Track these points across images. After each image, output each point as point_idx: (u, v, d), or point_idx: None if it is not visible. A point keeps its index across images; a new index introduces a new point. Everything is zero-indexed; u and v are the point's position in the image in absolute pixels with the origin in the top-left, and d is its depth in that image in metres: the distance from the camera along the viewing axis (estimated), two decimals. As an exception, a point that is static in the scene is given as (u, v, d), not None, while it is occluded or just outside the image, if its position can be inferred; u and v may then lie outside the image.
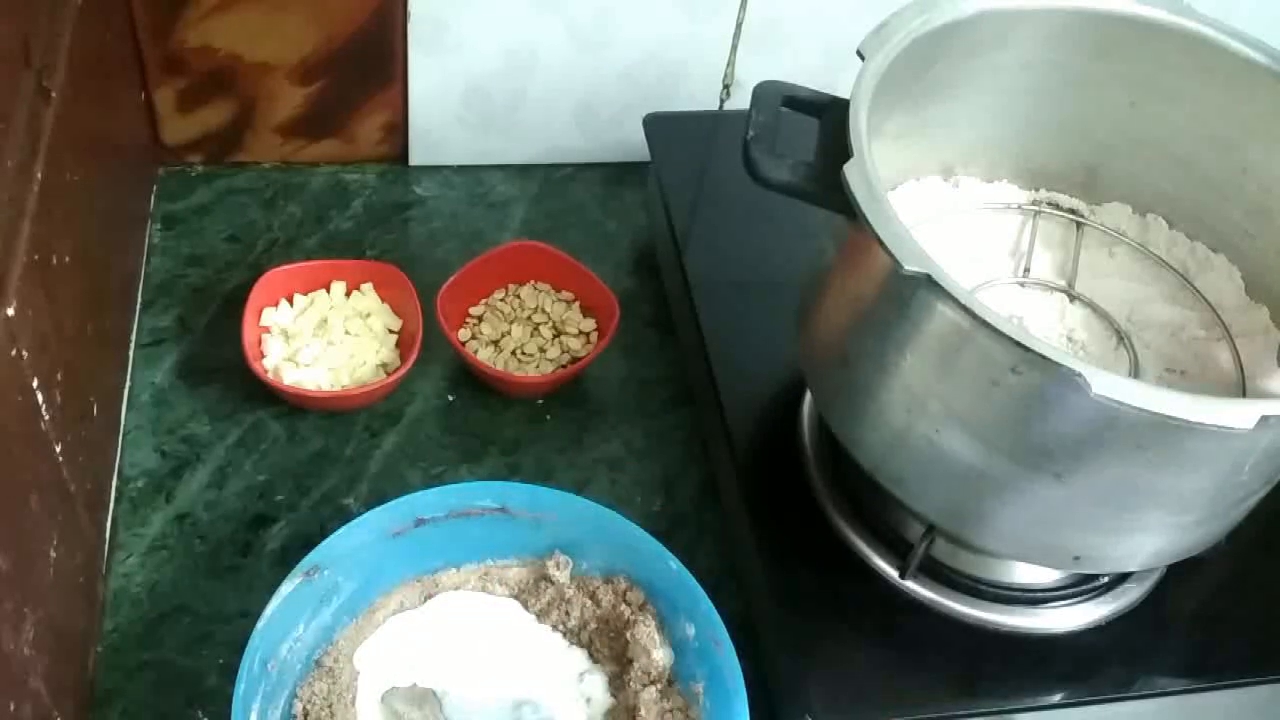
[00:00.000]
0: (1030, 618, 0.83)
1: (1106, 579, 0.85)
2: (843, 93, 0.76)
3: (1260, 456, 0.70)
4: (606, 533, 0.84)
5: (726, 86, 1.16)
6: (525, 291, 1.04)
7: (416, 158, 1.15)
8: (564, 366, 0.99)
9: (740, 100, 1.16)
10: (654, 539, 0.83)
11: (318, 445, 0.95)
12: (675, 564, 0.82)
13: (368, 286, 1.01)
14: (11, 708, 0.65)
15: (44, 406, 0.72)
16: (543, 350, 1.00)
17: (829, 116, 0.77)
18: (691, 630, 0.80)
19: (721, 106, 1.17)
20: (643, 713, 0.77)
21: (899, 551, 0.84)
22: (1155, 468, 0.68)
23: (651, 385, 1.03)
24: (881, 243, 0.67)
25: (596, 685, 0.81)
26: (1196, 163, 0.87)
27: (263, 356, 0.96)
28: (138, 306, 1.02)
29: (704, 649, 0.79)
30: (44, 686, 0.70)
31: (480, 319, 1.02)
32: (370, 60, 1.08)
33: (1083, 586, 0.84)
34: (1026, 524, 0.75)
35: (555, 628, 0.84)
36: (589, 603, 0.83)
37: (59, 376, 0.75)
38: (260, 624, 0.77)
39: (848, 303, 0.78)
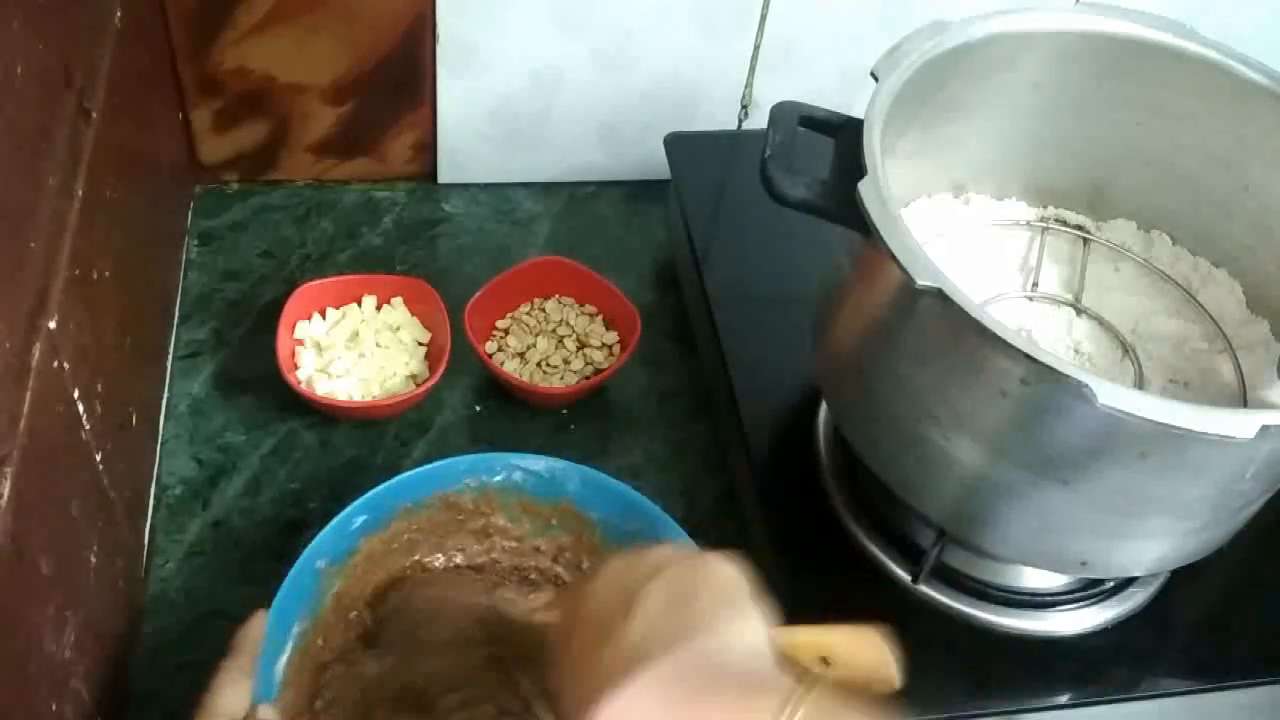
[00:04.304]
0: (1038, 621, 0.84)
1: (1112, 583, 0.85)
2: (857, 113, 0.76)
3: (1261, 465, 0.71)
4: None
5: (745, 107, 1.16)
6: (550, 305, 1.04)
7: (445, 176, 1.16)
8: (587, 378, 1.00)
9: (758, 120, 1.17)
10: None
11: (349, 454, 0.96)
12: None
13: (398, 300, 1.02)
14: (54, 708, 0.66)
15: (84, 417, 0.73)
16: (567, 362, 1.01)
17: (844, 136, 0.78)
18: None
19: (740, 126, 1.18)
20: None
21: (912, 557, 0.85)
22: (1159, 476, 0.69)
23: (672, 396, 1.03)
24: (894, 258, 0.68)
25: None
26: (1199, 181, 0.87)
27: (296, 368, 0.97)
28: (175, 320, 1.03)
29: None
30: (85, 687, 0.71)
31: (506, 332, 1.02)
32: (400, 81, 1.08)
33: (1089, 591, 0.85)
34: (1035, 530, 0.75)
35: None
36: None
37: (99, 387, 0.76)
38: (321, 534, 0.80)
39: (862, 316, 0.79)
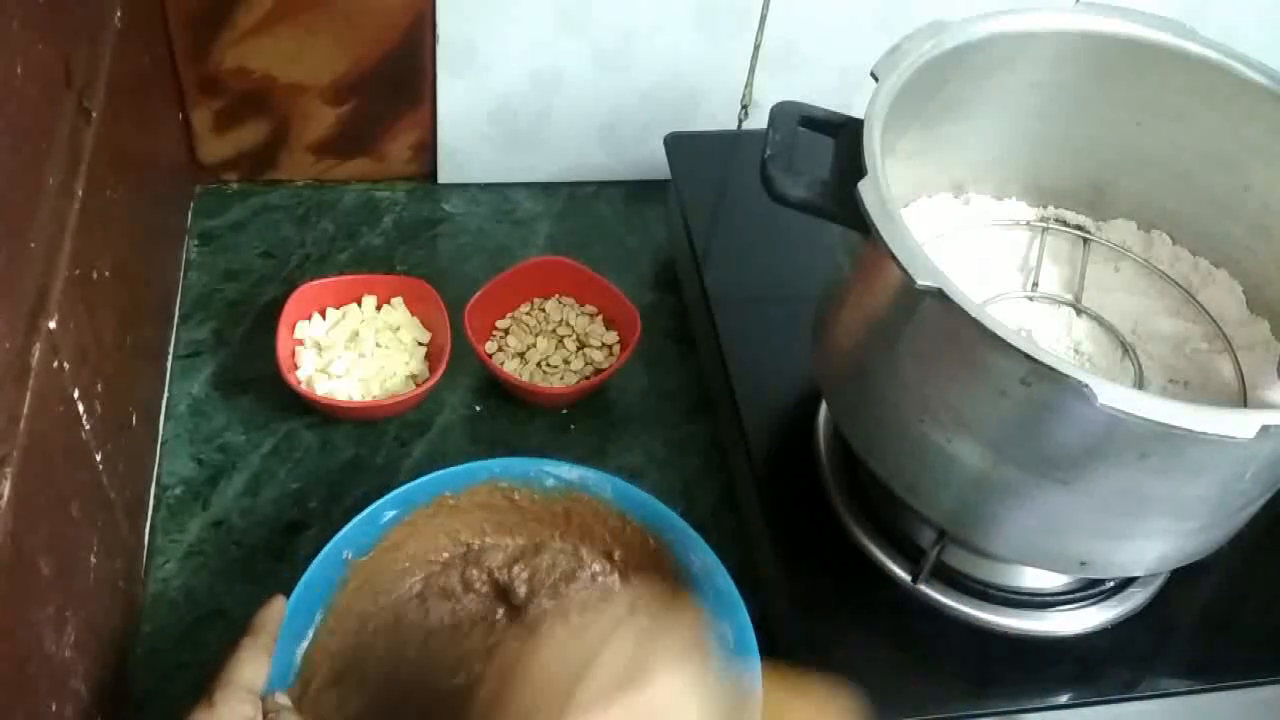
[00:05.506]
0: (1038, 621, 0.84)
1: (1112, 583, 0.85)
2: (857, 113, 0.76)
3: (1261, 465, 0.70)
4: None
5: (745, 107, 1.16)
6: (550, 305, 1.05)
7: (445, 176, 1.16)
8: (587, 378, 1.00)
9: (758, 120, 1.17)
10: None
11: (349, 454, 0.96)
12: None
13: (398, 300, 1.02)
14: (54, 708, 0.66)
15: (84, 417, 0.73)
16: (567, 362, 1.01)
17: (844, 136, 0.78)
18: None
19: (740, 126, 1.18)
20: None
21: (912, 557, 0.85)
22: (1159, 476, 0.69)
23: (672, 396, 1.03)
24: (895, 258, 0.67)
25: None
26: (1199, 181, 0.87)
27: (296, 368, 0.97)
28: (175, 320, 1.03)
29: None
30: (85, 687, 0.71)
31: (506, 332, 1.02)
32: (400, 81, 1.08)
33: (1089, 591, 0.85)
34: (1035, 530, 0.75)
35: None
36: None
37: (99, 387, 0.76)
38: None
39: (862, 316, 0.79)
